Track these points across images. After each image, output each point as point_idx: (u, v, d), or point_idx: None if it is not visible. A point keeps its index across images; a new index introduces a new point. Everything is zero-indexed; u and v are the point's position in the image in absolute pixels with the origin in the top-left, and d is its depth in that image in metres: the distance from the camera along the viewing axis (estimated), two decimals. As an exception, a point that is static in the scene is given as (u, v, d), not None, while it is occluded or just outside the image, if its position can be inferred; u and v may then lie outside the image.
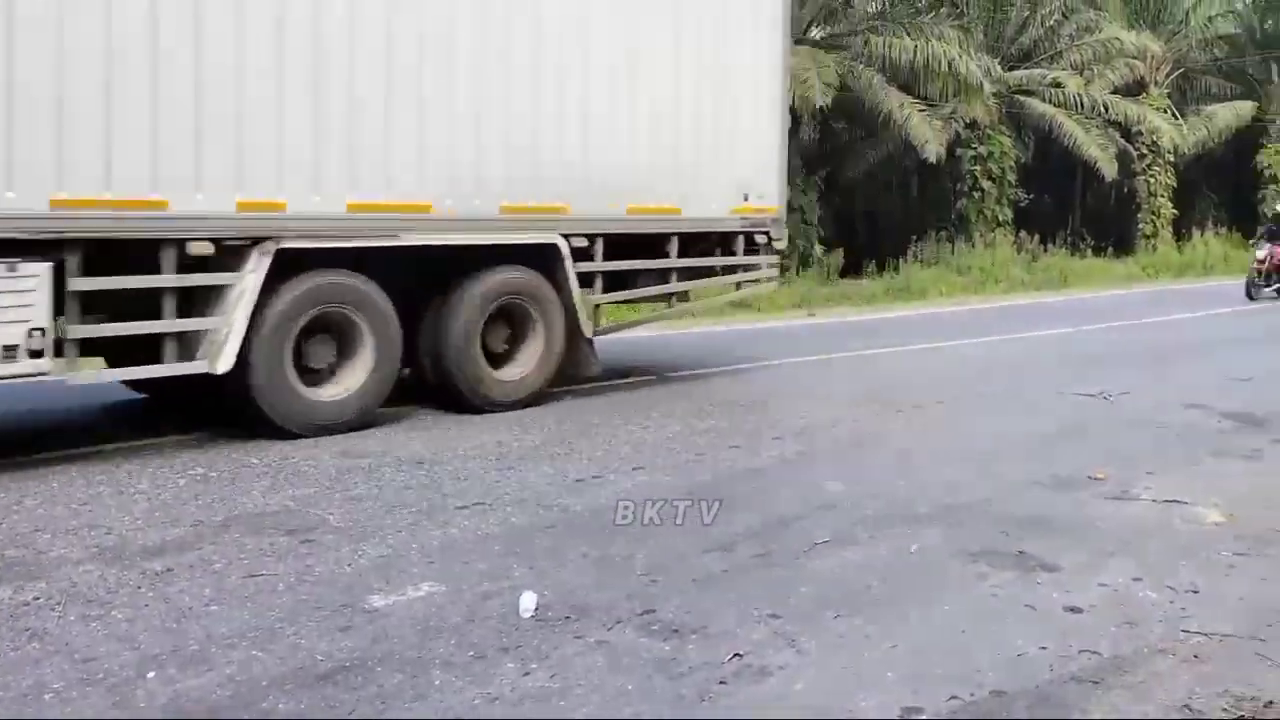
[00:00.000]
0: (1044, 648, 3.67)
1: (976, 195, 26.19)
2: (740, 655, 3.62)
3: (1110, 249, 29.13)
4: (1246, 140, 33.07)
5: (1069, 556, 4.62)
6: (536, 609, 4.04)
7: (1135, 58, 27.98)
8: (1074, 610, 4.03)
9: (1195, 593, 4.20)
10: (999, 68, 25.06)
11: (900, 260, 23.63)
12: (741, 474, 6.32)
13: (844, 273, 23.35)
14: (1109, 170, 26.97)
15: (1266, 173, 32.79)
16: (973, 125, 25.52)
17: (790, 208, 23.58)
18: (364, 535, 4.98)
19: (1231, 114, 31.40)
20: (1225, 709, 3.23)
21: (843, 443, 7.22)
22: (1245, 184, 34.13)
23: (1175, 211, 30.76)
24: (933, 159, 23.52)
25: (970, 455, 6.75)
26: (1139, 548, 4.76)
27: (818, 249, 23.59)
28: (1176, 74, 31.08)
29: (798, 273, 22.28)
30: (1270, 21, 32.12)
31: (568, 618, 3.97)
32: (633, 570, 4.54)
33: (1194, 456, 6.60)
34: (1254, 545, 4.78)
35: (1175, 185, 30.77)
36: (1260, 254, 19.41)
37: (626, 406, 8.52)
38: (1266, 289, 18.92)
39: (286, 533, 5.01)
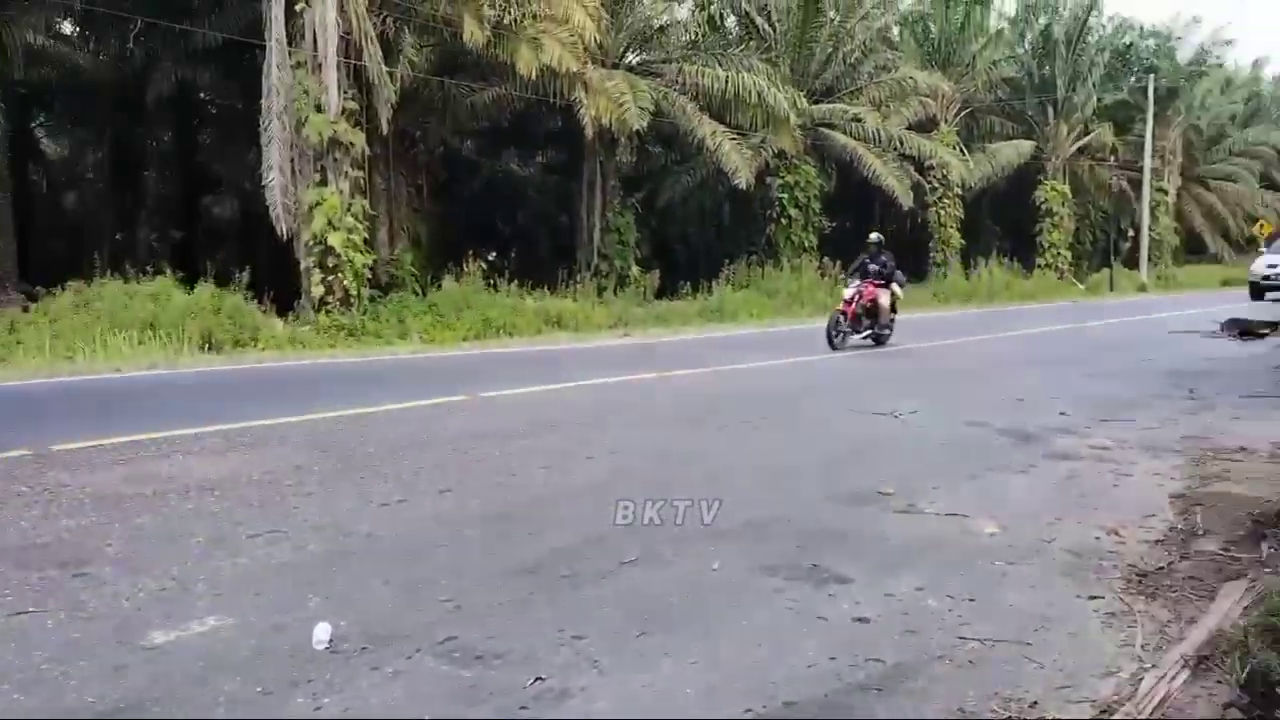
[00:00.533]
0: (833, 658, 3.82)
1: (784, 222, 27.31)
2: (542, 679, 3.60)
3: (907, 275, 30.88)
4: (1026, 176, 35.94)
5: (859, 569, 4.84)
6: (331, 640, 3.89)
7: (928, 96, 29.94)
8: (862, 621, 4.21)
9: (972, 601, 4.46)
10: (805, 101, 26.25)
11: (714, 282, 24.30)
12: (552, 495, 6.31)
13: (660, 294, 23.83)
14: (905, 200, 28.67)
15: (1043, 206, 35.79)
16: (781, 155, 26.60)
17: (608, 228, 23.98)
18: (145, 567, 4.68)
19: (1013, 151, 34.06)
20: (995, 710, 3.45)
21: (652, 462, 7.32)
22: (1025, 217, 37.06)
23: (964, 241, 33.01)
24: (744, 185, 24.36)
25: (773, 472, 6.98)
26: (923, 559, 5.03)
27: (635, 270, 23.98)
28: (965, 113, 33.46)
29: (615, 293, 22.57)
30: (1046, 67, 34.95)
31: (365, 648, 3.85)
32: (436, 596, 4.45)
33: (974, 471, 7.03)
34: (1025, 554, 5.13)
35: (963, 217, 33.06)
36: (848, 293, 15.44)
37: (435, 427, 8.38)
38: (855, 335, 15.41)
39: (58, 565, 4.66)
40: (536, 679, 3.59)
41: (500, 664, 3.73)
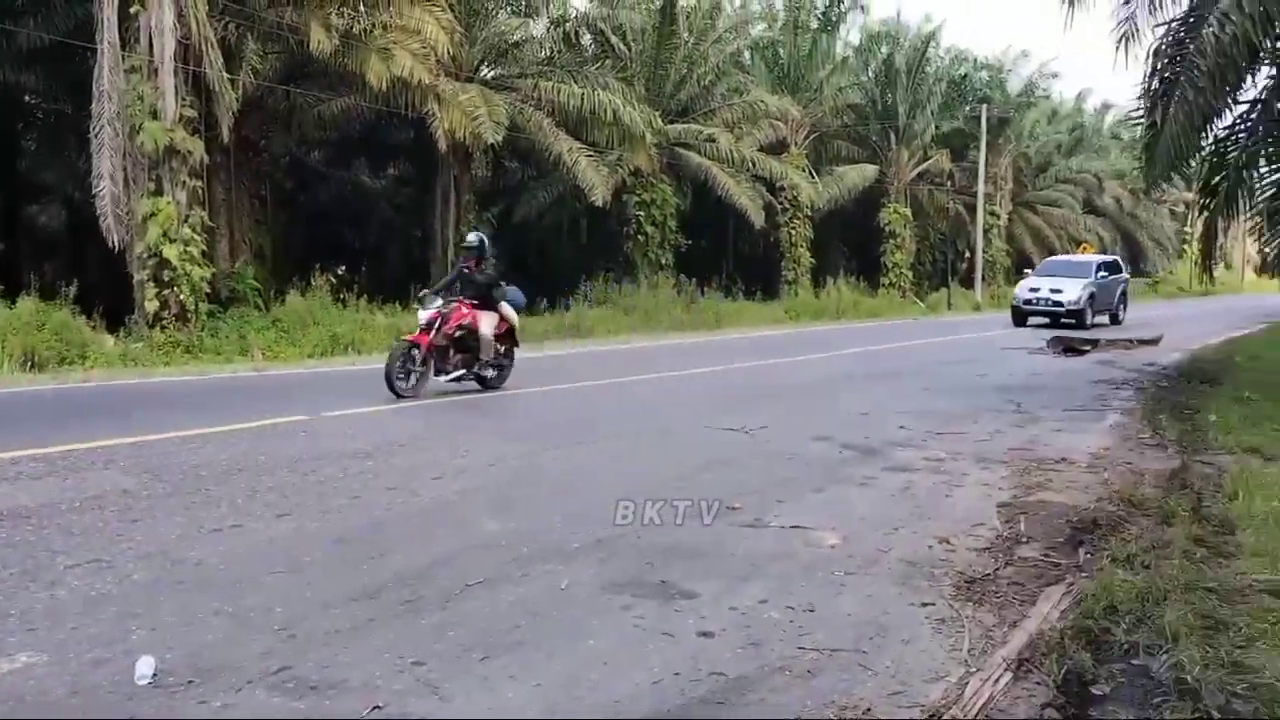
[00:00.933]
0: (677, 674, 3.86)
1: (641, 239, 27.60)
2: (380, 707, 3.51)
3: (759, 293, 31.68)
4: (871, 199, 37.40)
5: (706, 584, 4.91)
6: (155, 674, 3.70)
7: (779, 120, 30.83)
8: (707, 635, 4.27)
9: (812, 611, 4.59)
10: (660, 120, 26.64)
11: (571, 299, 24.33)
12: (397, 516, 6.17)
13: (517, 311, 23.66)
14: (757, 220, 29.41)
15: (887, 228, 37.28)
16: (637, 173, 26.90)
17: (462, 243, 23.71)
18: (-54, 604, 4.34)
19: (859, 175, 35.39)
20: (830, 718, 3.55)
21: (503, 481, 7.25)
22: (871, 238, 38.54)
23: (813, 261, 34.10)
24: (601, 203, 24.51)
25: (625, 487, 6.99)
26: (767, 572, 5.15)
27: (489, 286, 23.75)
28: (814, 137, 34.60)
29: (471, 309, 22.30)
30: (889, 95, 36.49)
31: (191, 681, 3.67)
32: (270, 625, 4.29)
33: (818, 485, 7.24)
34: (863, 564, 5.31)
35: (813, 237, 34.13)
36: (424, 315, 11.26)
37: (275, 447, 8.09)
38: (442, 376, 11.31)
39: None
40: (374, 708, 3.50)
41: (336, 694, 3.62)
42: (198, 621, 4.30)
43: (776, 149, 32.04)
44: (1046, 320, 25.02)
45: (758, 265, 35.72)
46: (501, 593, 4.78)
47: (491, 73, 24.83)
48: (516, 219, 28.74)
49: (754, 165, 29.28)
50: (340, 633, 4.21)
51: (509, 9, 24.96)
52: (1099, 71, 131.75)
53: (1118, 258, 30.41)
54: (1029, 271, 29.90)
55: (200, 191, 17.47)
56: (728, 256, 35.69)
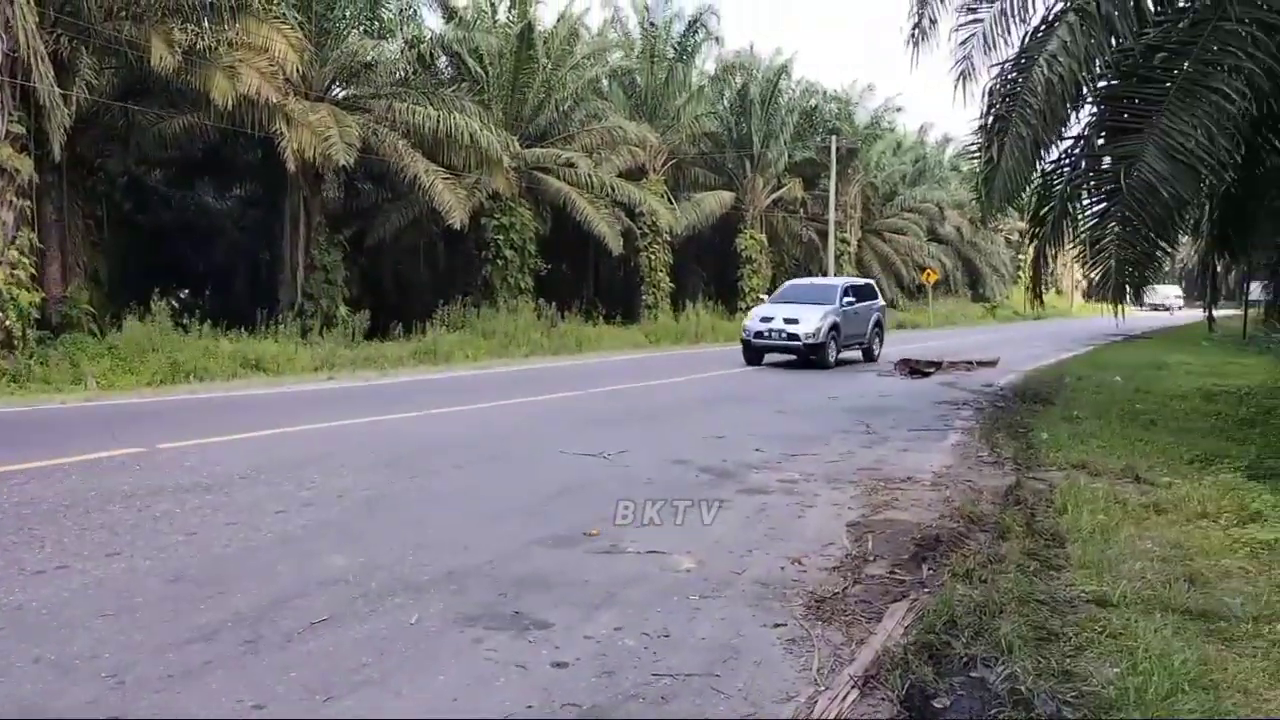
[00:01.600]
0: (530, 706, 3.81)
1: (500, 263, 27.40)
2: (214, 757, 3.33)
3: (620, 317, 31.86)
4: (729, 225, 38.16)
5: (560, 613, 4.87)
6: (-41, 735, 3.42)
7: (637, 146, 31.16)
8: (561, 665, 4.23)
9: (667, 637, 4.60)
10: (518, 144, 26.56)
11: (428, 323, 23.93)
12: (237, 553, 5.90)
13: (370, 334, 23.12)
14: (616, 245, 29.59)
15: (744, 253, 38.09)
16: (495, 196, 26.73)
17: (313, 266, 23.05)
18: None
19: (716, 201, 36.10)
20: (683, 744, 3.56)
21: (352, 513, 7.03)
22: (729, 263, 39.28)
23: (673, 285, 34.53)
24: (458, 226, 24.22)
25: (478, 518, 6.90)
26: (623, 599, 5.14)
27: (343, 310, 23.16)
28: (672, 163, 35.14)
29: (321, 334, 21.68)
30: (744, 124, 37.40)
31: (2, 740, 3.41)
32: (97, 671, 4.03)
33: (675, 509, 7.29)
34: (717, 588, 5.37)
35: (672, 262, 34.57)
36: None
37: (107, 482, 7.64)
38: None
39: None
40: (207, 757, 3.32)
41: (166, 744, 3.42)
42: (14, 670, 4.01)
43: (635, 175, 32.37)
44: (789, 356, 20.86)
45: (618, 289, 35.93)
46: (347, 630, 4.63)
47: (344, 93, 24.28)
48: (370, 242, 28.12)
49: (613, 191, 29.49)
50: (174, 677, 4.00)
51: (362, 29, 24.46)
52: (940, 107, 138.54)
53: (871, 281, 25.50)
54: (764, 297, 24.69)
55: (29, 212, 16.46)
56: (588, 281, 35.80)
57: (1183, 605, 4.79)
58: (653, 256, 33.48)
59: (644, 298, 33.60)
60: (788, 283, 24.58)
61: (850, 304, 21.74)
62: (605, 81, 33.97)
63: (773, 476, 8.55)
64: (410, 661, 4.26)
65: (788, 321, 20.48)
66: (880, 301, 23.91)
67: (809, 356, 20.29)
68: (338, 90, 24.13)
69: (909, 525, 6.74)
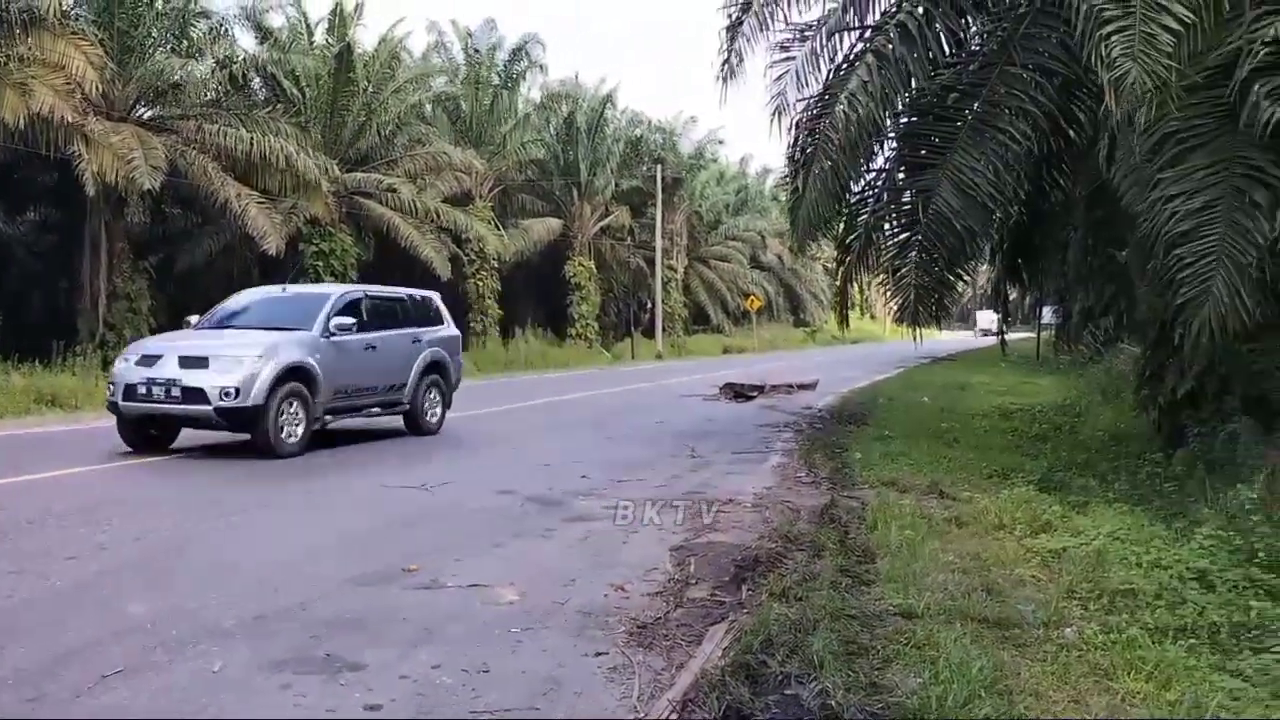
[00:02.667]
0: (340, 753, 3.66)
1: (320, 290, 26.54)
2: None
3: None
4: (557, 252, 38.33)
5: (375, 653, 4.70)
6: None
7: (463, 172, 30.93)
8: (374, 708, 4.08)
9: (487, 672, 4.51)
10: (338, 168, 25.87)
11: (242, 354, 22.88)
12: (21, 604, 5.46)
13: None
14: (443, 271, 29.20)
15: (573, 280, 38.29)
16: (314, 221, 25.95)
17: (116, 294, 21.73)
18: None
19: (544, 228, 36.22)
20: (500, 781, 3.49)
21: (153, 556, 6.62)
22: (558, 290, 39.40)
23: (501, 312, 34.32)
24: (274, 252, 23.35)
25: (290, 558, 6.62)
26: (442, 635, 5.02)
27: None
28: (499, 190, 35.06)
29: (124, 367, 20.41)
30: (571, 152, 37.70)
31: None
32: None
33: (499, 540, 7.20)
34: (539, 619, 5.32)
35: (501, 289, 34.38)
36: None
37: None
38: None
39: None
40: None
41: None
42: None
43: (462, 201, 32.10)
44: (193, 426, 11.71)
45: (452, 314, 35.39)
46: (144, 682, 4.34)
47: (150, 113, 23.07)
48: (180, 268, 26.75)
49: (439, 216, 29.14)
50: (-65, 750, 3.64)
51: (169, 47, 23.28)
52: (759, 140, 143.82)
53: (430, 295, 15.21)
54: (191, 320, 13.68)
55: None
56: (414, 309, 35.13)
57: (981, 614, 5.05)
58: (481, 283, 33.22)
59: (472, 325, 33.22)
60: (242, 293, 14.34)
61: (359, 333, 12.41)
62: (429, 107, 33.63)
63: (599, 503, 8.56)
64: (211, 711, 4.02)
65: (187, 364, 11.05)
66: (446, 330, 14.77)
67: (237, 429, 11.23)
68: (143, 110, 22.91)
69: (730, 547, 6.87)
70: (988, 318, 73.53)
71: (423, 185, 29.27)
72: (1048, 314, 35.02)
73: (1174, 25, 6.83)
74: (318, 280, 26.47)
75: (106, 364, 20.21)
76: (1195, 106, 7.36)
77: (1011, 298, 16.81)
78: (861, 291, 70.67)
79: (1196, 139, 7.38)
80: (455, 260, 31.27)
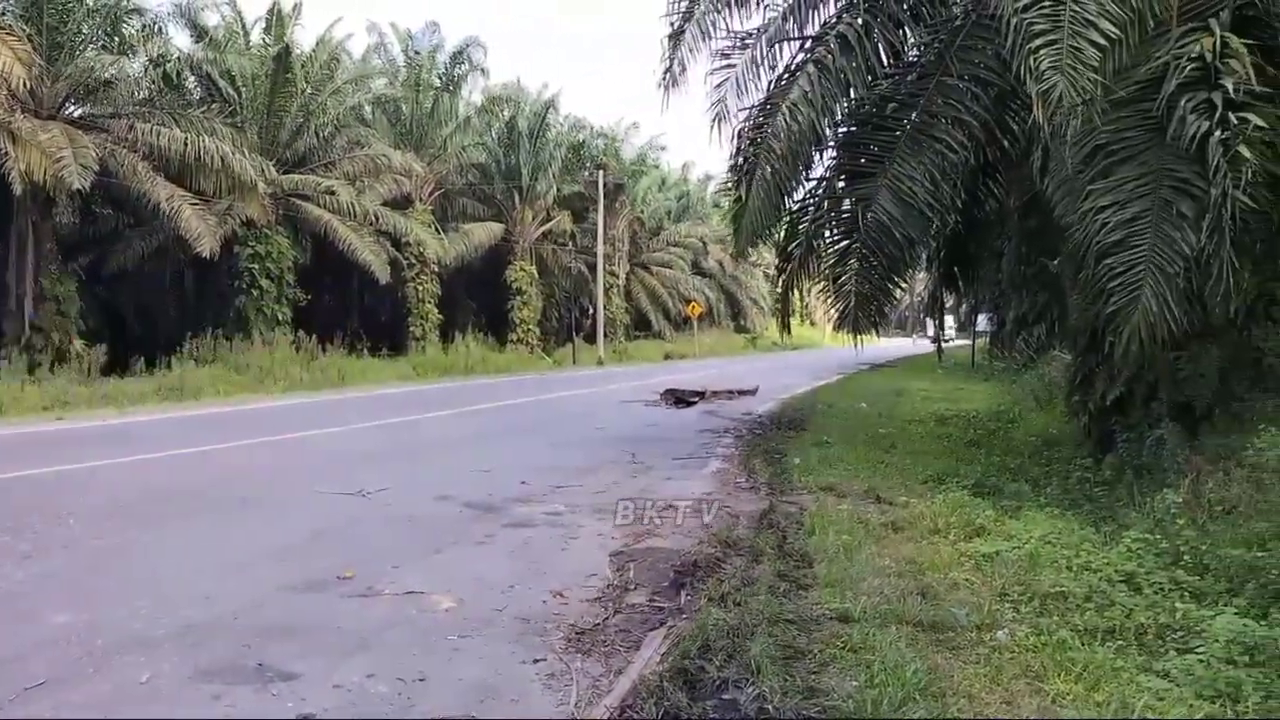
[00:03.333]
0: (270, 766, 3.59)
1: (255, 293, 26.12)
2: None
3: (387, 349, 31.06)
4: (499, 256, 38.08)
5: (308, 662, 4.62)
6: None
7: (403, 175, 30.60)
8: (307, 718, 4.01)
9: (423, 680, 4.46)
10: (274, 170, 25.46)
11: (174, 357, 22.43)
12: (-64, 618, 5.27)
13: (109, 370, 21.41)
14: (382, 275, 28.88)
15: (514, 285, 38.06)
16: (250, 224, 25.50)
17: (43, 297, 21.12)
18: None
19: (485, 233, 35.95)
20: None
21: (80, 565, 6.44)
22: (499, 295, 39.15)
23: (442, 316, 34.00)
24: (208, 254, 22.88)
25: (224, 565, 6.49)
26: (377, 643, 4.95)
27: (77, 344, 21.33)
28: (439, 193, 34.75)
29: (52, 370, 19.90)
30: (512, 156, 37.52)
31: None
32: None
33: (437, 546, 7.13)
34: (477, 626, 5.27)
35: (441, 293, 34.07)
36: None
37: None
38: None
39: None
40: None
41: None
42: None
43: (401, 204, 31.78)
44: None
45: (385, 321, 35.05)
46: (69, 694, 4.23)
47: (79, 111, 22.47)
48: (110, 271, 26.08)
49: (378, 220, 28.82)
50: None
51: (101, 44, 22.69)
52: (701, 147, 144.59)
53: None
54: None
55: None
56: (353, 312, 34.72)
57: (915, 617, 5.11)
58: (420, 287, 32.89)
59: (412, 329, 32.92)
60: None
61: None
62: (369, 109, 33.27)
63: (539, 509, 8.53)
64: (137, 727, 3.92)
65: None
66: None
67: None
68: (73, 108, 22.32)
69: (670, 552, 6.88)
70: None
71: (362, 188, 28.91)
72: (983, 321, 35.78)
73: (1100, 40, 6.98)
74: (253, 283, 26.05)
75: (33, 369, 19.69)
76: (1124, 119, 7.55)
77: (948, 305, 17.08)
78: (802, 298, 71.40)
79: (1126, 151, 7.56)
80: (394, 264, 30.93)
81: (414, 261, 32.40)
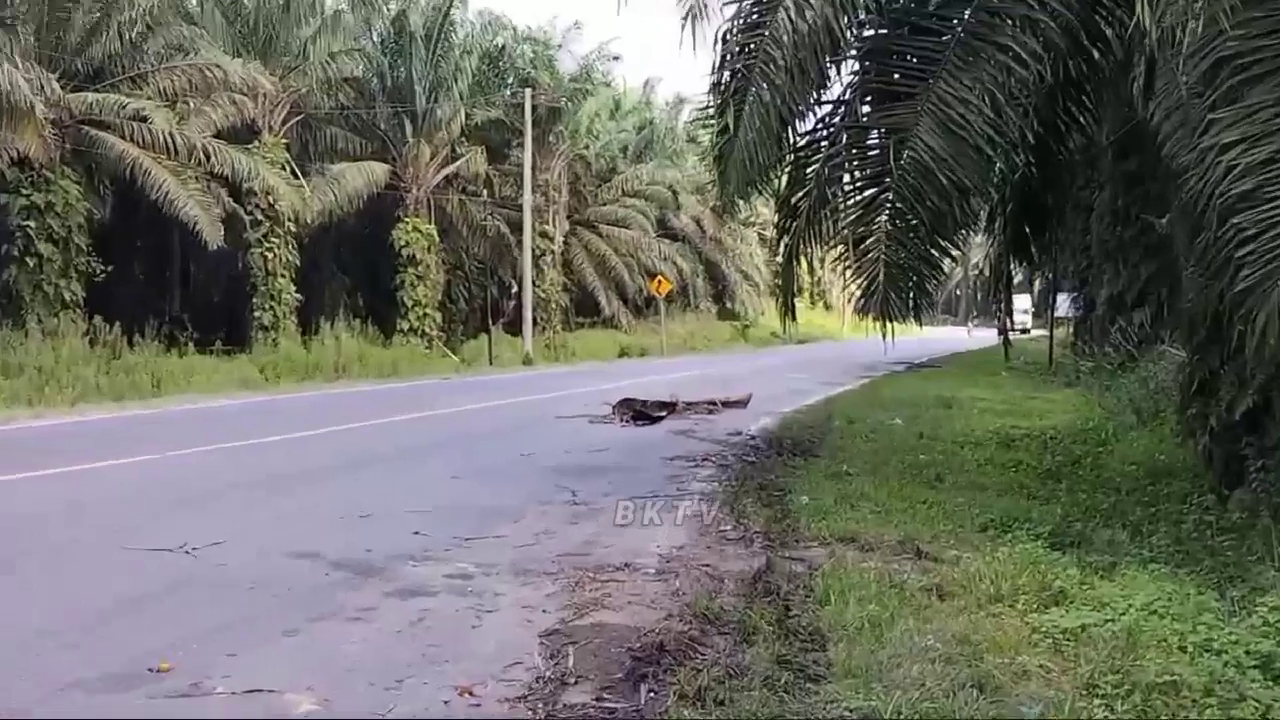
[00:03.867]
0: None
1: (32, 263, 25.82)
2: None
3: (222, 343, 30.79)
4: (383, 211, 37.83)
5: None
6: None
7: (245, 94, 30.34)
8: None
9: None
10: (59, 86, 25.17)
11: (-92, 355, 22.14)
12: None
13: None
14: (214, 237, 28.62)
15: (405, 251, 37.74)
16: (23, 163, 25.22)
17: None
18: None
19: (363, 176, 35.72)
20: None
21: None
22: (383, 266, 38.86)
23: (301, 297, 33.71)
24: (-38, 207, 22.60)
25: (-14, 654, 6.42)
26: (206, 763, 4.92)
27: None
28: (297, 120, 34.45)
29: None
30: (402, 68, 37.29)
31: None
32: None
33: (292, 624, 7.09)
34: (350, 736, 5.26)
35: (300, 263, 33.79)
36: None
37: None
38: None
39: None
40: None
41: None
42: None
43: (244, 136, 31.55)
44: None
45: (219, 304, 34.77)
46: None
47: None
48: None
49: (209, 158, 28.54)
50: None
51: None
52: (670, 55, 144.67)
53: None
54: None
55: None
56: (172, 290, 34.42)
57: None
58: (270, 254, 32.62)
59: (258, 315, 32.66)
60: None
61: None
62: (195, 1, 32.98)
63: (438, 570, 8.53)
64: None
65: None
66: None
67: None
68: None
69: (625, 631, 6.88)
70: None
71: (186, 112, 28.68)
72: (1064, 304, 36.23)
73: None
74: (28, 249, 25.69)
75: None
76: (1259, 22, 7.64)
77: (1017, 281, 17.23)
78: (813, 271, 71.84)
79: (1262, 65, 7.64)
80: (233, 221, 30.71)
81: (261, 218, 32.16)
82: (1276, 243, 7.34)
